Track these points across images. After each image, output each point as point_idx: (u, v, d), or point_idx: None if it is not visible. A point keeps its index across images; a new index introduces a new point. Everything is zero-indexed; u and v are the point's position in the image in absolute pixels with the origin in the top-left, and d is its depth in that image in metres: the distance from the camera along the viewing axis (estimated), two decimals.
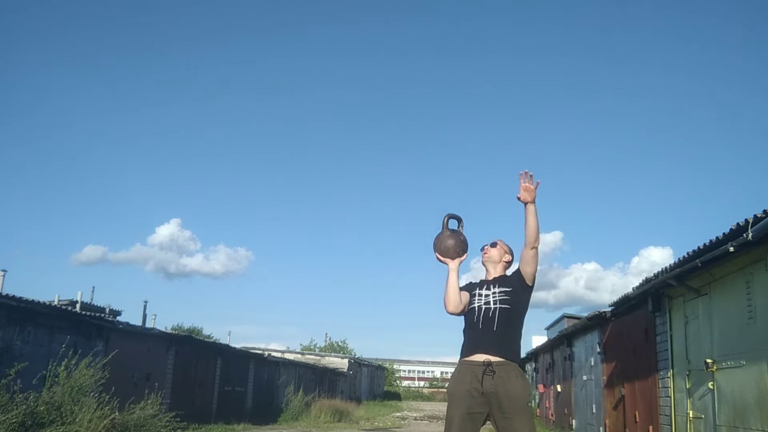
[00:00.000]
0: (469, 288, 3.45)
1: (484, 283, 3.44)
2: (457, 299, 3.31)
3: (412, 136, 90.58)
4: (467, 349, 3.30)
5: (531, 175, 3.16)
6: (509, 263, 3.56)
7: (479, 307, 3.32)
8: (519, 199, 3.21)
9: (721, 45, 69.95)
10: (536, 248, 3.26)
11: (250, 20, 77.20)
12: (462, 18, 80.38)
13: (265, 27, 78.79)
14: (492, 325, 3.26)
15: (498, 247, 3.55)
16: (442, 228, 3.47)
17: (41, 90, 65.41)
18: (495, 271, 3.50)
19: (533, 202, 3.19)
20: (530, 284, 3.36)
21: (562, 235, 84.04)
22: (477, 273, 3.86)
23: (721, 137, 75.58)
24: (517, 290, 3.34)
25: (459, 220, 3.50)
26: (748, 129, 73.34)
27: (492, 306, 3.30)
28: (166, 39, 75.31)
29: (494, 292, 3.34)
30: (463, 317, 3.42)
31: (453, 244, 3.41)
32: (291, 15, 78.77)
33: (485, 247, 3.57)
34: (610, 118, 77.11)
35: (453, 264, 3.39)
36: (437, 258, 3.44)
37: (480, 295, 3.37)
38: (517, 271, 3.39)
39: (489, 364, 3.15)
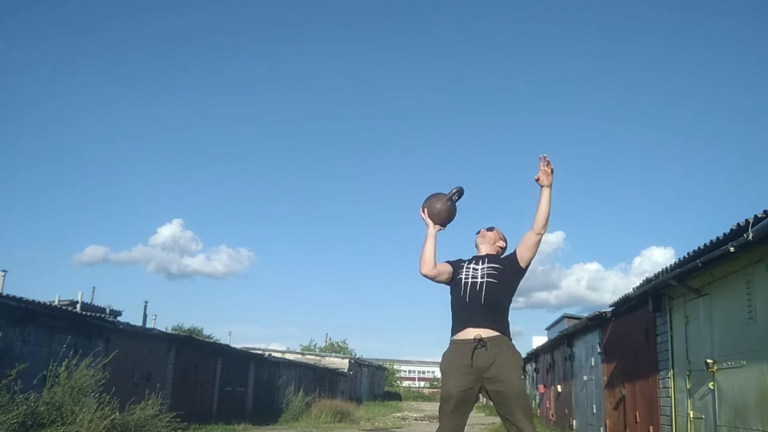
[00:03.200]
0: (458, 262, 3.49)
1: (474, 259, 3.48)
2: (432, 262, 3.40)
3: (414, 135, 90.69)
4: (457, 326, 3.31)
5: (548, 161, 3.18)
6: (502, 249, 3.60)
7: (466, 282, 3.34)
8: (537, 180, 3.24)
9: (721, 44, 70.00)
10: (541, 235, 3.28)
11: (251, 20, 77.31)
12: (463, 18, 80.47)
13: (266, 27, 78.89)
14: (479, 299, 3.27)
15: (494, 231, 3.62)
16: (448, 195, 3.53)
17: (41, 90, 65.54)
18: (486, 250, 3.55)
19: (550, 186, 3.20)
20: (524, 267, 3.37)
21: (564, 235, 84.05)
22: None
23: (722, 137, 75.67)
24: (507, 269, 3.36)
25: (461, 194, 3.56)
26: (749, 129, 73.40)
27: (479, 279, 3.31)
28: (168, 38, 75.40)
29: (483, 267, 3.36)
30: (449, 291, 3.45)
31: (442, 210, 3.49)
32: (292, 15, 78.89)
33: (481, 230, 3.63)
34: (612, 118, 77.15)
35: (432, 230, 3.47)
36: (422, 213, 3.52)
37: (468, 268, 3.39)
38: (512, 255, 3.41)
39: (480, 339, 3.15)
